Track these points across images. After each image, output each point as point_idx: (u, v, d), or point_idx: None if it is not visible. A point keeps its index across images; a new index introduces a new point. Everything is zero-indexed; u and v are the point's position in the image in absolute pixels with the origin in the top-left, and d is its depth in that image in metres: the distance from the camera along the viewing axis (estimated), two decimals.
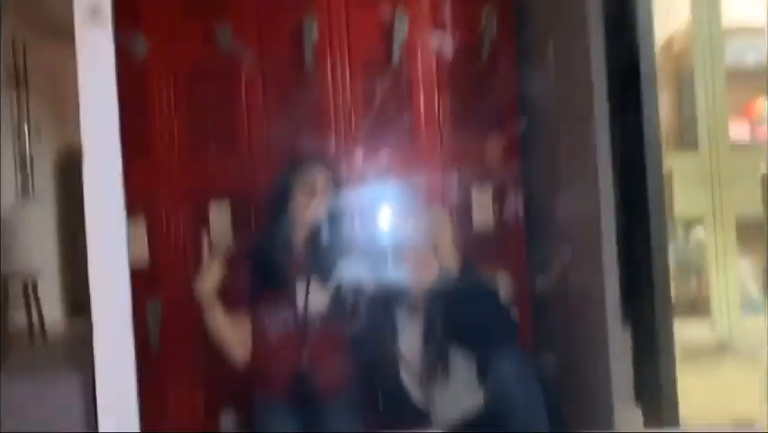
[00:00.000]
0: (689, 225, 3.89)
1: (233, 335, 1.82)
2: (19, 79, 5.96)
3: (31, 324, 5.18)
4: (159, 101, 2.25)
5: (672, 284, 3.68)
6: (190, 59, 2.25)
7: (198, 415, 2.24)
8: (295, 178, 1.87)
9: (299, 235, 1.87)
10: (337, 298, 1.82)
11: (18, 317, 5.21)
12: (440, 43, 2.22)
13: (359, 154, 2.24)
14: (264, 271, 1.87)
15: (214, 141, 2.27)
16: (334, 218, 1.88)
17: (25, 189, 5.97)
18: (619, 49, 1.58)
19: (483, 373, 1.67)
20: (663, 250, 1.49)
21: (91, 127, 0.80)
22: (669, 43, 4.05)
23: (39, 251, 5.77)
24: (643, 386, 1.58)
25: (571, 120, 1.88)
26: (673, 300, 3.56)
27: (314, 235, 1.86)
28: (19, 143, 5.95)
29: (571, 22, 1.77)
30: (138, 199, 2.24)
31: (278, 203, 1.88)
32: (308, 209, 1.84)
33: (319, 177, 1.87)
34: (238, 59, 2.22)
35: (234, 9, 2.26)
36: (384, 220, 1.96)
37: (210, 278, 1.77)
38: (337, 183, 1.92)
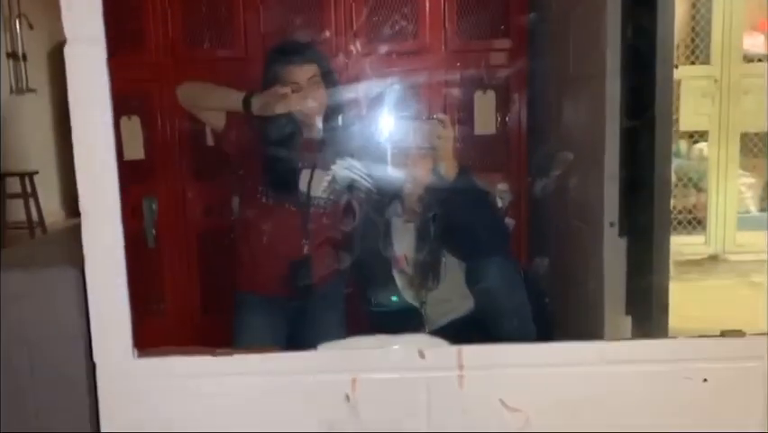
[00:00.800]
0: (694, 139, 3.85)
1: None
2: None
3: (30, 219, 5.22)
4: None
5: (673, 198, 3.70)
6: None
7: (195, 313, 2.28)
8: (277, 71, 1.78)
9: (297, 128, 1.81)
10: (330, 191, 1.81)
11: (18, 212, 5.25)
12: None
13: (359, 51, 2.16)
14: (267, 161, 1.83)
15: (210, 36, 2.18)
16: (333, 111, 1.83)
17: (19, 84, 5.86)
18: None
19: (472, 278, 1.69)
20: (667, 161, 1.46)
21: (74, 13, 0.75)
22: None
23: (36, 146, 5.75)
24: (635, 297, 1.59)
25: (581, 21, 1.80)
26: (672, 214, 3.59)
27: (317, 125, 1.81)
28: (11, 37, 5.80)
29: None
30: (133, 96, 2.18)
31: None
32: (294, 101, 1.76)
33: (304, 70, 1.77)
34: None
35: None
36: (383, 119, 1.92)
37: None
38: (329, 74, 1.83)
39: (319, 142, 1.82)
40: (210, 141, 2.15)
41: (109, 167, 0.77)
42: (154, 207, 2.20)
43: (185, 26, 2.17)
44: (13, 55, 5.82)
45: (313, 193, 1.81)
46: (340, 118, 1.84)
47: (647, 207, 1.50)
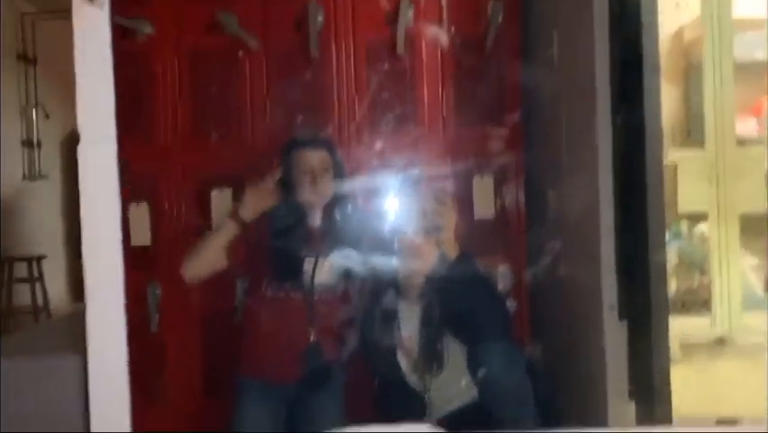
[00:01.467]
0: (693, 220, 3.89)
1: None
2: (28, 59, 6.00)
3: (35, 303, 5.24)
4: (162, 85, 2.25)
5: (675, 280, 3.68)
6: (195, 44, 2.25)
7: (197, 396, 2.26)
8: (290, 158, 1.86)
9: (303, 216, 1.87)
10: (328, 280, 1.83)
11: (24, 296, 5.27)
12: (445, 33, 2.21)
13: (362, 140, 2.24)
14: (272, 251, 1.86)
15: (217, 126, 2.27)
16: (338, 200, 1.88)
17: (32, 170, 6.02)
18: (623, 40, 1.57)
19: (473, 363, 1.68)
20: (661, 245, 1.49)
21: (87, 108, 0.80)
22: (678, 36, 4.03)
23: (45, 231, 5.84)
24: (637, 382, 1.58)
25: (573, 111, 1.87)
26: (676, 296, 3.57)
27: (322, 214, 1.86)
28: (27, 124, 6.00)
29: (576, 13, 1.76)
30: (141, 184, 2.25)
31: (284, 187, 1.87)
32: (307, 190, 1.83)
33: (317, 156, 1.85)
34: (243, 45, 2.22)
35: None
36: (386, 206, 1.97)
37: (251, 204, 1.81)
38: (338, 164, 1.90)
39: (323, 229, 1.87)
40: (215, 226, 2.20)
41: (115, 256, 0.80)
42: (158, 292, 2.24)
43: (194, 117, 2.26)
44: (27, 143, 6.01)
45: (318, 280, 1.84)
46: (346, 207, 1.89)
47: (645, 290, 1.52)
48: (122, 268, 0.81)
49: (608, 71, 1.62)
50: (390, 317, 1.80)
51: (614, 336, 1.64)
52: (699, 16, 3.47)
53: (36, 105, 5.97)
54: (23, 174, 5.96)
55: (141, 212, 2.26)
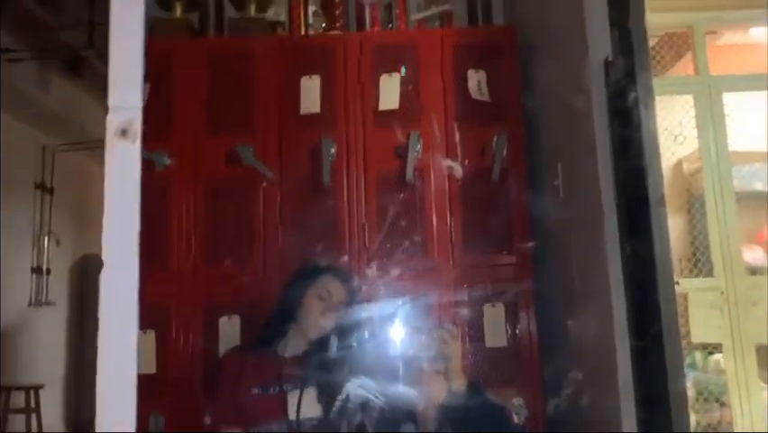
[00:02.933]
0: (708, 351, 3.81)
1: None
2: (45, 188, 6.19)
3: None
4: (178, 215, 2.30)
5: (694, 413, 3.55)
6: (212, 175, 2.33)
7: None
8: (310, 283, 1.87)
9: (299, 339, 1.86)
10: (342, 411, 1.77)
11: (19, 426, 5.09)
12: (453, 164, 2.28)
13: (372, 270, 2.25)
14: (258, 371, 1.82)
15: (230, 255, 2.30)
16: (346, 330, 1.86)
17: (39, 296, 6.02)
18: (627, 171, 1.62)
19: None
20: (680, 372, 1.45)
21: (112, 236, 0.82)
22: (678, 168, 4.15)
23: (45, 359, 5.74)
24: None
25: (582, 241, 1.89)
26: (697, 430, 3.42)
27: (320, 344, 1.84)
28: (38, 251, 6.08)
29: (579, 146, 1.83)
30: (150, 311, 2.24)
31: (288, 308, 1.87)
32: (322, 317, 1.83)
33: (335, 284, 1.87)
34: (258, 175, 2.29)
35: (258, 127, 2.36)
36: (394, 336, 1.94)
37: None
38: (351, 295, 1.91)
39: (312, 359, 1.83)
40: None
41: (130, 388, 0.79)
42: (161, 423, 2.16)
43: (207, 246, 2.30)
44: (37, 269, 6.06)
45: (303, 416, 1.78)
46: (343, 337, 1.87)
47: (666, 420, 1.46)
48: (134, 401, 0.79)
49: (613, 203, 1.66)
50: None
51: None
52: (696, 149, 3.59)
53: (49, 233, 6.08)
54: (30, 301, 5.96)
55: (148, 340, 2.24)
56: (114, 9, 0.87)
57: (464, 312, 2.22)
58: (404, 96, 2.36)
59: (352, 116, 2.35)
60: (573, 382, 1.92)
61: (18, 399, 5.11)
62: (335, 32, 2.54)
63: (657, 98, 3.65)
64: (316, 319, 1.83)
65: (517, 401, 2.17)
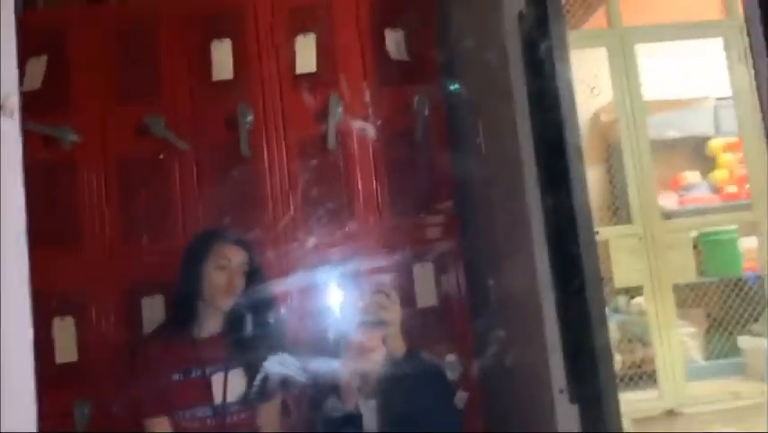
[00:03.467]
0: (630, 295, 3.98)
1: None
2: None
3: None
4: (89, 193, 2.18)
5: (620, 354, 3.71)
6: (121, 149, 2.21)
7: None
8: (205, 255, 1.81)
9: (212, 316, 1.81)
10: (262, 391, 1.74)
11: None
12: (365, 125, 2.25)
13: (297, 237, 2.21)
14: (176, 356, 1.78)
15: (147, 232, 2.20)
16: (265, 301, 1.83)
17: None
18: (545, 124, 1.63)
19: None
20: (603, 323, 1.49)
21: None
22: (596, 119, 4.26)
23: None
24: None
25: (504, 196, 1.91)
26: (622, 370, 3.59)
27: (236, 320, 1.80)
28: None
29: (498, 102, 1.83)
30: (66, 296, 2.14)
31: (190, 285, 1.81)
32: (228, 285, 1.78)
33: (231, 249, 1.81)
34: (172, 147, 2.19)
35: (167, 97, 2.25)
36: (327, 303, 1.92)
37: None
38: (251, 256, 1.85)
39: (231, 336, 1.81)
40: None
41: (27, 380, 0.73)
42: (86, 411, 2.08)
43: (123, 224, 2.19)
44: None
45: (230, 399, 1.75)
46: (264, 310, 1.84)
47: (592, 372, 1.50)
48: (33, 398, 0.73)
49: (533, 156, 1.66)
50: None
51: (566, 420, 1.60)
52: (612, 100, 3.68)
53: None
54: None
55: (66, 326, 2.13)
56: None
57: (394, 275, 2.21)
58: (321, 57, 2.29)
59: (268, 81, 2.27)
60: (502, 338, 1.95)
61: None
62: None
63: (573, 52, 3.71)
64: (222, 290, 1.78)
65: (450, 358, 2.19)
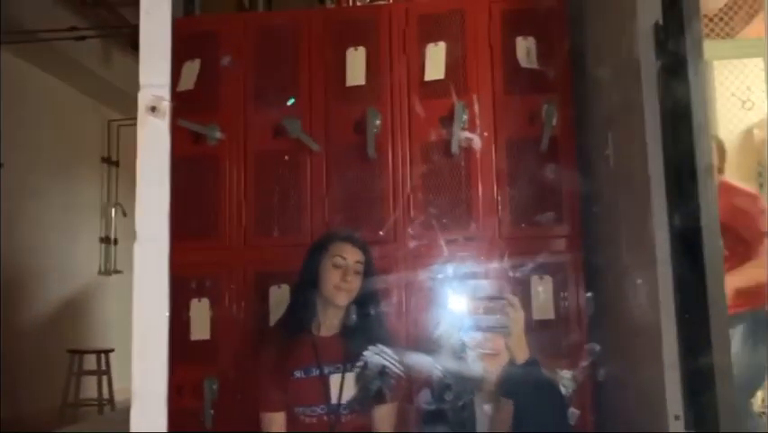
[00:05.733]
0: None
1: None
2: (111, 161, 6.44)
3: (101, 395, 5.35)
4: (229, 186, 2.37)
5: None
6: (261, 147, 2.38)
7: None
8: (322, 253, 1.89)
9: (331, 315, 1.88)
10: (361, 378, 1.80)
11: (91, 389, 5.39)
12: (471, 136, 2.25)
13: (417, 239, 2.27)
14: (296, 353, 1.86)
15: (279, 226, 2.35)
16: (381, 302, 1.89)
17: (107, 265, 6.31)
18: (676, 140, 1.57)
19: None
20: (725, 347, 1.41)
21: (145, 209, 0.86)
22: (749, 135, 3.97)
23: (115, 325, 6.03)
24: None
25: (630, 212, 1.85)
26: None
27: (351, 318, 1.87)
28: (106, 222, 6.36)
29: (629, 115, 1.78)
30: (204, 280, 2.33)
31: (308, 282, 1.89)
32: (343, 282, 1.84)
33: (347, 248, 1.88)
34: (305, 148, 2.33)
35: (304, 100, 2.38)
36: (445, 306, 1.96)
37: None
38: (368, 258, 1.91)
39: (347, 334, 1.87)
40: (272, 322, 2.24)
41: (161, 358, 0.83)
42: (215, 387, 2.26)
43: (257, 216, 2.36)
44: (105, 239, 6.34)
45: (345, 399, 1.81)
46: (375, 307, 1.89)
47: (712, 398, 1.43)
48: (166, 369, 0.83)
49: (662, 171, 1.60)
50: (468, 417, 1.72)
51: None
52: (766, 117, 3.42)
53: (116, 205, 6.34)
54: (99, 269, 6.25)
55: (202, 307, 2.32)
56: None
57: (512, 283, 2.20)
58: (451, 65, 2.33)
59: (398, 87, 2.34)
60: (620, 356, 1.89)
61: (90, 362, 5.40)
62: (381, 2, 2.52)
63: (725, 63, 3.48)
64: (337, 287, 1.84)
65: (565, 375, 2.15)
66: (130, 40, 5.25)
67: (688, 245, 1.52)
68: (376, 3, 2.54)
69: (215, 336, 2.31)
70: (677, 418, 1.54)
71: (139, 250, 0.85)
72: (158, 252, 0.84)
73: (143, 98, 0.87)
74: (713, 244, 1.41)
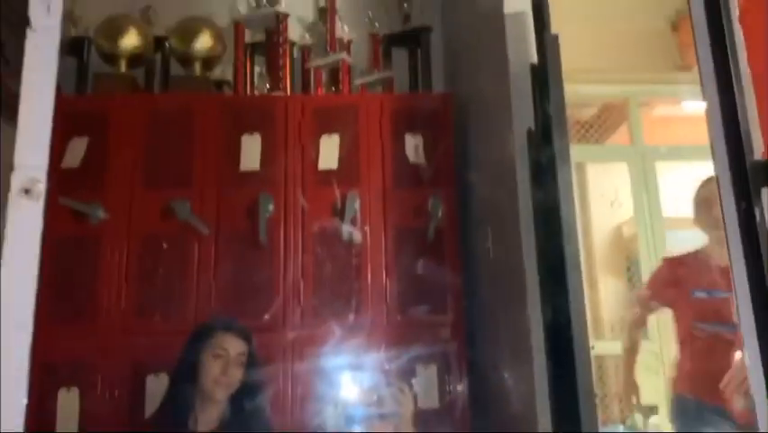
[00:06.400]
0: (647, 414, 3.86)
1: None
2: None
3: None
4: (110, 268, 2.27)
5: None
6: (146, 229, 2.32)
7: None
8: (203, 344, 1.82)
9: (209, 409, 1.81)
10: None
11: None
12: (351, 230, 2.32)
13: (305, 326, 2.25)
14: None
15: (161, 311, 2.26)
16: (263, 395, 1.84)
17: None
18: (548, 235, 1.68)
19: None
20: None
21: (9, 297, 0.82)
22: (618, 232, 4.28)
23: None
24: None
25: (508, 303, 1.94)
26: None
27: (228, 413, 1.80)
28: None
29: (506, 211, 1.90)
30: (75, 367, 2.19)
31: (186, 372, 1.82)
32: (223, 375, 1.78)
33: (230, 340, 1.82)
34: (194, 231, 2.29)
35: (196, 183, 2.37)
36: (333, 394, 1.94)
37: None
38: (253, 357, 1.86)
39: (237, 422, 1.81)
40: (148, 413, 2.12)
41: None
42: None
43: (137, 299, 2.26)
44: None
45: None
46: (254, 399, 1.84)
47: None
48: None
49: (535, 266, 1.71)
50: None
51: None
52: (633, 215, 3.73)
53: None
54: None
55: (71, 397, 2.17)
56: (25, 73, 0.88)
57: (396, 372, 2.21)
58: (344, 156, 2.41)
59: (292, 175, 2.38)
60: None
61: None
62: (279, 93, 2.59)
63: (595, 166, 3.78)
64: (217, 380, 1.79)
65: None
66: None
67: (560, 339, 1.60)
68: (274, 93, 2.60)
69: (84, 430, 2.15)
70: None
71: (3, 338, 0.81)
72: (20, 342, 0.80)
73: (17, 180, 0.85)
74: (580, 338, 1.50)
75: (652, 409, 3.71)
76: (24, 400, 0.81)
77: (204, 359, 1.80)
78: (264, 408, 1.87)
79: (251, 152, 2.41)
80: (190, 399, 1.80)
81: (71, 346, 2.19)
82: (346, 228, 2.28)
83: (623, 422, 3.92)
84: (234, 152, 2.40)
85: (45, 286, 2.25)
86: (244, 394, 1.82)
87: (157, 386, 2.16)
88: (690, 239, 4.06)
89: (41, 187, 0.85)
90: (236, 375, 1.80)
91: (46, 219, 2.15)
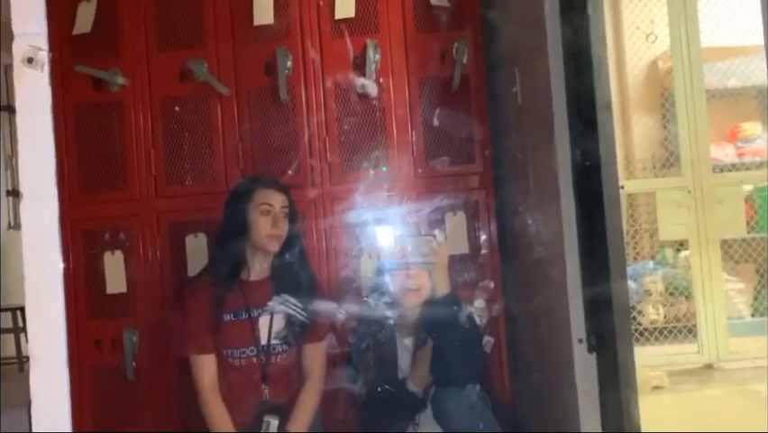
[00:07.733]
0: (677, 249, 3.91)
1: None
2: (11, 109, 6.04)
3: (19, 353, 5.19)
4: (136, 134, 2.27)
5: (663, 307, 3.67)
6: (167, 92, 2.28)
7: None
8: (247, 201, 1.88)
9: (260, 260, 1.90)
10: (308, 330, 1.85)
11: (9, 347, 5.22)
12: (366, 82, 2.24)
13: (333, 182, 2.26)
14: (224, 299, 1.87)
15: (191, 173, 2.29)
16: (300, 242, 1.91)
17: (18, 220, 6.00)
18: (578, 76, 1.61)
19: (436, 407, 1.71)
20: (622, 274, 1.50)
21: (28, 167, 0.82)
22: (654, 66, 4.11)
23: None
24: (608, 412, 1.58)
25: (537, 147, 1.90)
26: (664, 322, 3.56)
27: (279, 262, 1.88)
28: (12, 175, 6.02)
29: (534, 52, 1.81)
30: (116, 232, 2.27)
31: (236, 231, 1.89)
32: (274, 228, 1.86)
33: (272, 195, 1.89)
34: (213, 91, 2.25)
35: (210, 41, 2.29)
36: (369, 245, 2.00)
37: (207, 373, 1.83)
38: (294, 212, 1.93)
39: (277, 277, 1.90)
40: (191, 272, 2.21)
41: (58, 318, 0.81)
42: (135, 339, 2.23)
43: (167, 164, 2.28)
44: (13, 192, 6.01)
45: (274, 340, 1.85)
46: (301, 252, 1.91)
47: (610, 322, 1.52)
48: (63, 321, 0.82)
49: (565, 107, 1.65)
50: (390, 353, 1.80)
51: (584, 369, 1.64)
52: (669, 47, 3.55)
53: None
54: (9, 224, 5.95)
55: (116, 260, 2.26)
56: None
57: (426, 222, 2.25)
58: (360, 2, 2.28)
59: (308, 26, 2.28)
60: (530, 286, 1.98)
61: (6, 320, 5.21)
62: None
63: None
64: (269, 234, 1.86)
65: (479, 304, 2.24)
66: None
67: (589, 180, 1.58)
68: None
69: (132, 288, 2.27)
70: (580, 341, 1.64)
71: (25, 211, 0.82)
72: (45, 211, 0.81)
73: (18, 49, 0.82)
74: (610, 179, 1.48)
75: (682, 244, 3.77)
76: (61, 265, 0.83)
77: (252, 217, 1.87)
78: (307, 256, 1.98)
79: (263, 4, 2.30)
80: (241, 253, 1.88)
81: (109, 213, 2.26)
82: (367, 81, 2.21)
83: (653, 258, 4.00)
84: (247, 6, 2.29)
85: (74, 156, 2.29)
86: (289, 244, 1.91)
87: (196, 245, 2.23)
88: (733, 71, 3.89)
89: (44, 55, 0.82)
90: (284, 227, 1.88)
91: (65, 88, 2.15)
